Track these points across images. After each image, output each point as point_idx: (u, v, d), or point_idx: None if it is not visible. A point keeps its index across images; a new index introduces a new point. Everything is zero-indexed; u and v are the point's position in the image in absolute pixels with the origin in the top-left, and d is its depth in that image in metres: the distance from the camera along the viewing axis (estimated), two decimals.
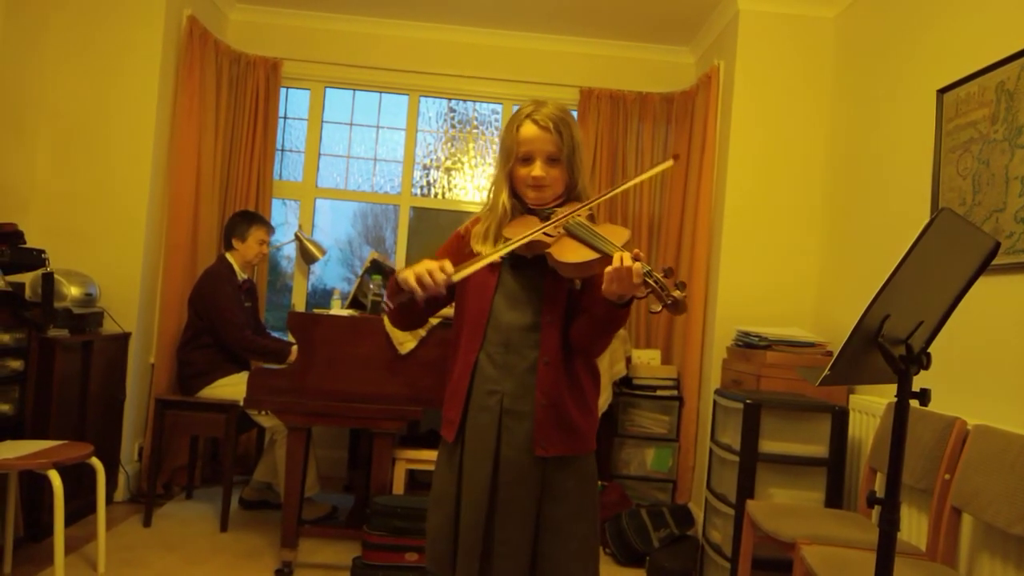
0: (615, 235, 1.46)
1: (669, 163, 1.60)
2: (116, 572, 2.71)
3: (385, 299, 1.59)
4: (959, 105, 2.48)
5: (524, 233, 1.51)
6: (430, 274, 1.42)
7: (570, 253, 1.45)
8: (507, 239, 1.54)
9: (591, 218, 1.56)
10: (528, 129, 1.55)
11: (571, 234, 1.49)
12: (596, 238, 1.45)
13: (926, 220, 1.27)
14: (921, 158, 2.67)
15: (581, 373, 1.60)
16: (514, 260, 1.57)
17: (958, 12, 2.57)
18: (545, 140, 1.54)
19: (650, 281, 1.33)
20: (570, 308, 1.58)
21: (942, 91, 2.57)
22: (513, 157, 1.57)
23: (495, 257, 1.50)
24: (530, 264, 1.56)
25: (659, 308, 1.33)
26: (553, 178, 1.57)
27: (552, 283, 1.56)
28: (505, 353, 1.56)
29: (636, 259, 1.34)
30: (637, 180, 1.63)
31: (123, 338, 3.46)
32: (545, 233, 1.49)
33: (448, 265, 1.44)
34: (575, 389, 1.58)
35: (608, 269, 1.36)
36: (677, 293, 1.31)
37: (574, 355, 1.58)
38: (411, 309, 1.59)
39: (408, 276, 1.44)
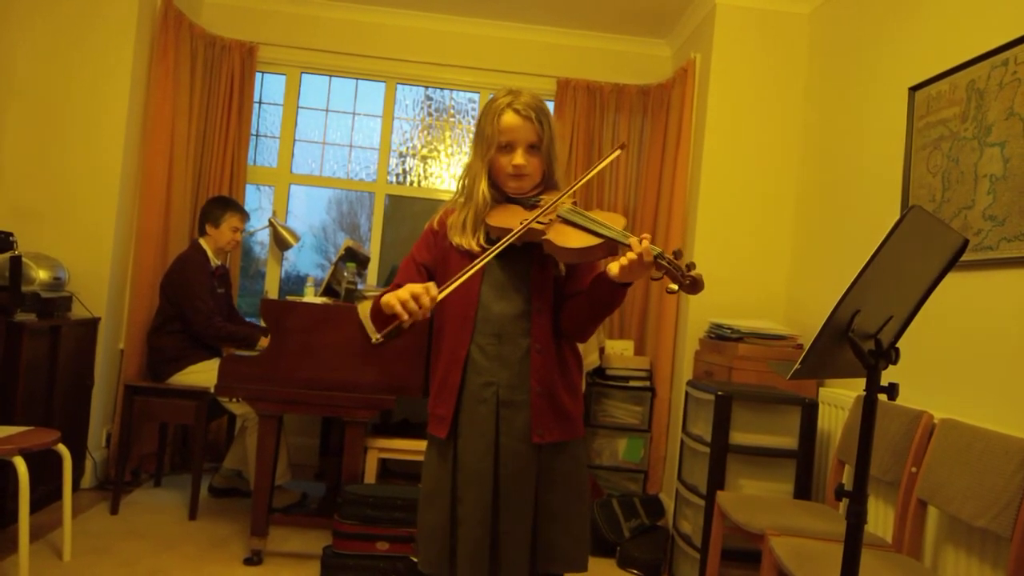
0: (612, 220, 1.48)
1: (617, 152, 1.63)
2: (82, 560, 2.67)
3: (374, 332, 1.56)
4: (930, 103, 2.52)
5: (509, 222, 1.51)
6: (415, 299, 1.39)
7: (571, 239, 1.46)
8: (493, 227, 1.53)
9: (576, 205, 1.57)
10: (509, 118, 1.55)
11: (566, 221, 1.50)
12: (594, 224, 1.47)
13: (896, 215, 1.29)
14: (892, 154, 2.71)
15: (569, 358, 1.62)
16: (500, 250, 1.57)
17: (931, 11, 2.60)
18: (526, 129, 1.55)
19: (663, 262, 1.37)
20: (556, 295, 1.59)
21: (914, 89, 2.61)
22: (494, 146, 1.56)
23: (482, 264, 1.47)
24: (517, 253, 1.56)
25: (676, 288, 1.36)
26: (533, 167, 1.58)
27: (540, 270, 1.57)
28: (498, 344, 1.56)
29: (645, 241, 1.37)
30: (593, 172, 1.63)
31: (92, 323, 3.40)
32: (537, 221, 1.49)
33: (432, 287, 1.42)
34: (565, 375, 1.60)
35: (629, 255, 1.38)
36: (694, 273, 1.34)
37: (562, 341, 1.60)
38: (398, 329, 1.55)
39: (392, 302, 1.40)
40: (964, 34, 2.40)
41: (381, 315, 1.48)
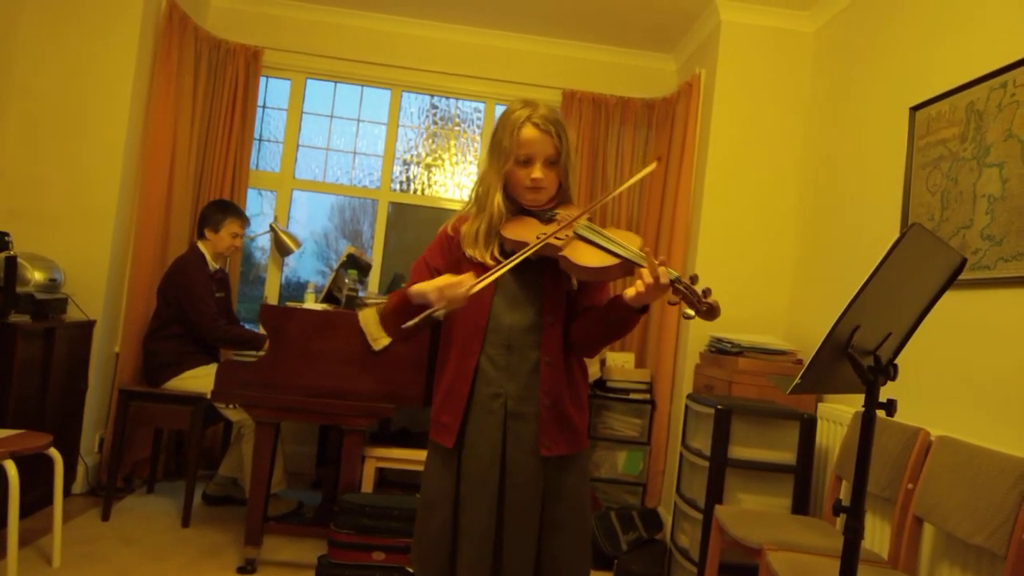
0: (628, 240, 1.49)
1: (654, 165, 1.64)
2: (72, 566, 2.64)
3: (375, 339, 1.56)
4: (930, 123, 2.53)
5: (526, 235, 1.52)
6: (452, 288, 1.40)
7: (588, 257, 1.47)
8: (508, 240, 1.54)
9: (591, 221, 1.58)
10: (529, 132, 1.56)
11: (582, 238, 1.51)
12: (611, 243, 1.48)
13: (896, 233, 1.30)
14: (892, 173, 2.72)
15: (577, 372, 1.63)
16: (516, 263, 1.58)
17: (933, 33, 2.62)
18: (546, 143, 1.56)
19: (679, 287, 1.38)
20: (567, 309, 1.60)
21: (914, 109, 2.62)
22: (512, 159, 1.56)
23: (513, 264, 1.47)
24: (530, 266, 1.56)
25: (692, 313, 1.37)
26: (550, 180, 1.59)
27: (552, 284, 1.58)
28: (508, 355, 1.56)
29: (663, 265, 1.38)
30: (625, 186, 1.66)
31: (87, 326, 3.38)
32: (555, 236, 1.50)
33: (468, 279, 1.42)
34: (573, 388, 1.60)
35: (643, 279, 1.39)
36: (712, 299, 1.36)
37: (571, 355, 1.61)
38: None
39: (426, 289, 1.41)
40: (964, 56, 2.42)
41: (408, 307, 1.47)
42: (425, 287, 1.43)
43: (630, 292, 1.42)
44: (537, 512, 1.54)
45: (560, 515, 1.56)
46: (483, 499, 1.53)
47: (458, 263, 1.61)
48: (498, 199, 1.57)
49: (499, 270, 1.46)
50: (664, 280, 1.37)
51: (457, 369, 1.58)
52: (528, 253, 1.48)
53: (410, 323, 1.45)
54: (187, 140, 3.84)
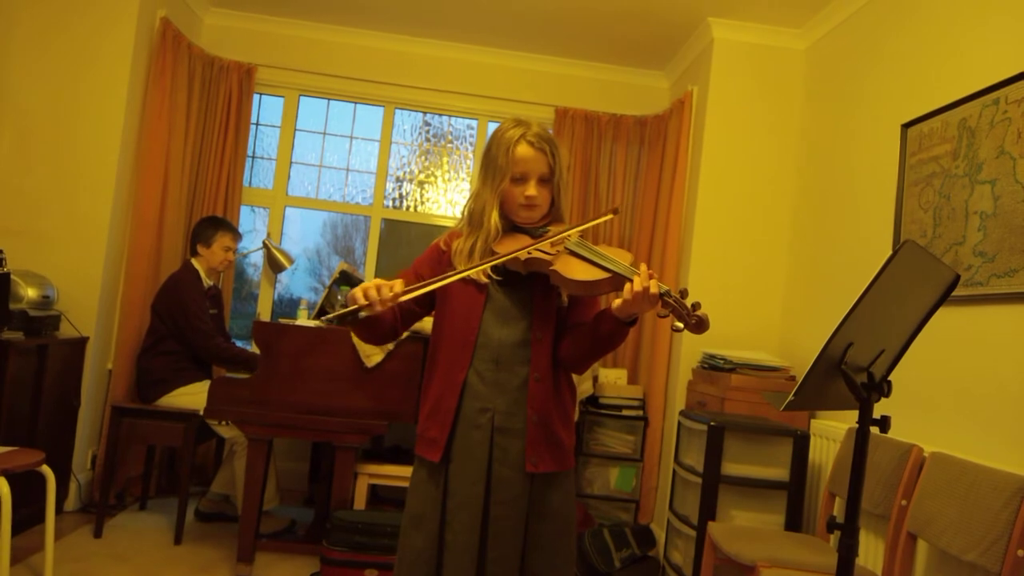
0: (619, 256, 1.50)
1: (609, 216, 1.69)
2: None
3: (367, 355, 1.56)
4: (922, 140, 2.56)
5: (516, 249, 1.52)
6: (378, 290, 1.41)
7: (578, 271, 1.48)
8: (501, 255, 1.54)
9: (583, 238, 1.59)
10: (524, 150, 1.58)
11: (574, 253, 1.53)
12: (602, 258, 1.49)
13: (888, 250, 1.31)
14: (885, 190, 2.74)
15: (565, 389, 1.63)
16: (505, 277, 1.58)
17: (924, 49, 2.65)
18: (540, 161, 1.58)
19: (669, 300, 1.39)
20: (557, 325, 1.60)
21: (906, 125, 2.65)
22: (507, 176, 1.58)
23: (464, 275, 1.49)
24: (520, 281, 1.58)
25: (682, 326, 1.39)
26: (544, 198, 1.61)
27: (542, 300, 1.59)
28: (496, 370, 1.56)
29: (651, 278, 1.39)
30: (580, 228, 1.59)
31: (80, 342, 3.37)
32: (543, 251, 1.51)
33: (398, 284, 1.43)
34: (561, 405, 1.60)
35: (630, 287, 1.40)
36: (701, 312, 1.37)
37: (560, 371, 1.61)
38: (375, 323, 1.55)
39: (356, 291, 1.43)
40: (956, 73, 2.45)
41: (346, 304, 1.49)
42: (357, 288, 1.44)
43: (617, 302, 1.43)
44: (521, 529, 1.54)
45: (544, 534, 1.56)
46: (468, 514, 1.53)
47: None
48: (495, 216, 1.59)
49: (433, 284, 1.48)
50: (654, 290, 1.38)
51: (445, 383, 1.58)
52: (508, 258, 1.49)
53: (331, 315, 1.46)
54: (180, 157, 3.84)
